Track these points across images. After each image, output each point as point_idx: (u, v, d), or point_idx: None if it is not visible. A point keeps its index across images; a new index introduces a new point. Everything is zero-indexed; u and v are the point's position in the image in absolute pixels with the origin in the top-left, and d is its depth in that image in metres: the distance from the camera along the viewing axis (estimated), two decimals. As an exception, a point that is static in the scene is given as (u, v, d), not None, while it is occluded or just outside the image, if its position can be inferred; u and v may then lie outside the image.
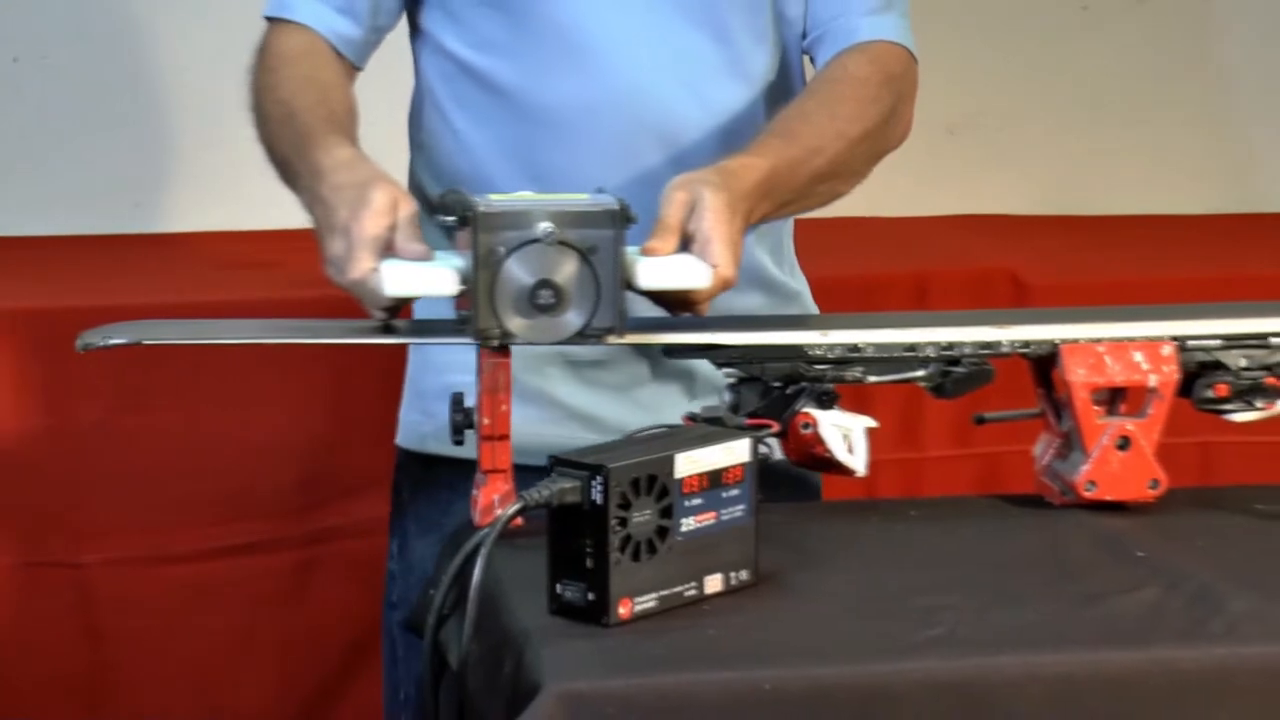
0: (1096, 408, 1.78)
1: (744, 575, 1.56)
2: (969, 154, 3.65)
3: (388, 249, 1.68)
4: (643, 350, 1.99)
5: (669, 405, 1.94)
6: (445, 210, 1.67)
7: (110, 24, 3.34)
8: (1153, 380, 1.78)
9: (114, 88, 3.33)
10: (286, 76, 1.93)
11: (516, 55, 1.98)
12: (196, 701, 2.70)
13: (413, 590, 1.96)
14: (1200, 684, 1.45)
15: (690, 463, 1.52)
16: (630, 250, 1.67)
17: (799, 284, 2.14)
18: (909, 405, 2.85)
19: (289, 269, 2.94)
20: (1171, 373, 1.78)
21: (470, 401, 1.68)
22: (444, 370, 2.00)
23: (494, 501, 1.66)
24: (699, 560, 1.53)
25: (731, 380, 1.76)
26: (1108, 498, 1.77)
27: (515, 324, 1.62)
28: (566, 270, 1.62)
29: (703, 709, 1.39)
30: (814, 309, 2.14)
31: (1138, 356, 1.78)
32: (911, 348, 1.77)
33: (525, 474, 1.60)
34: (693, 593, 1.53)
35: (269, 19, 2.00)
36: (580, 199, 1.65)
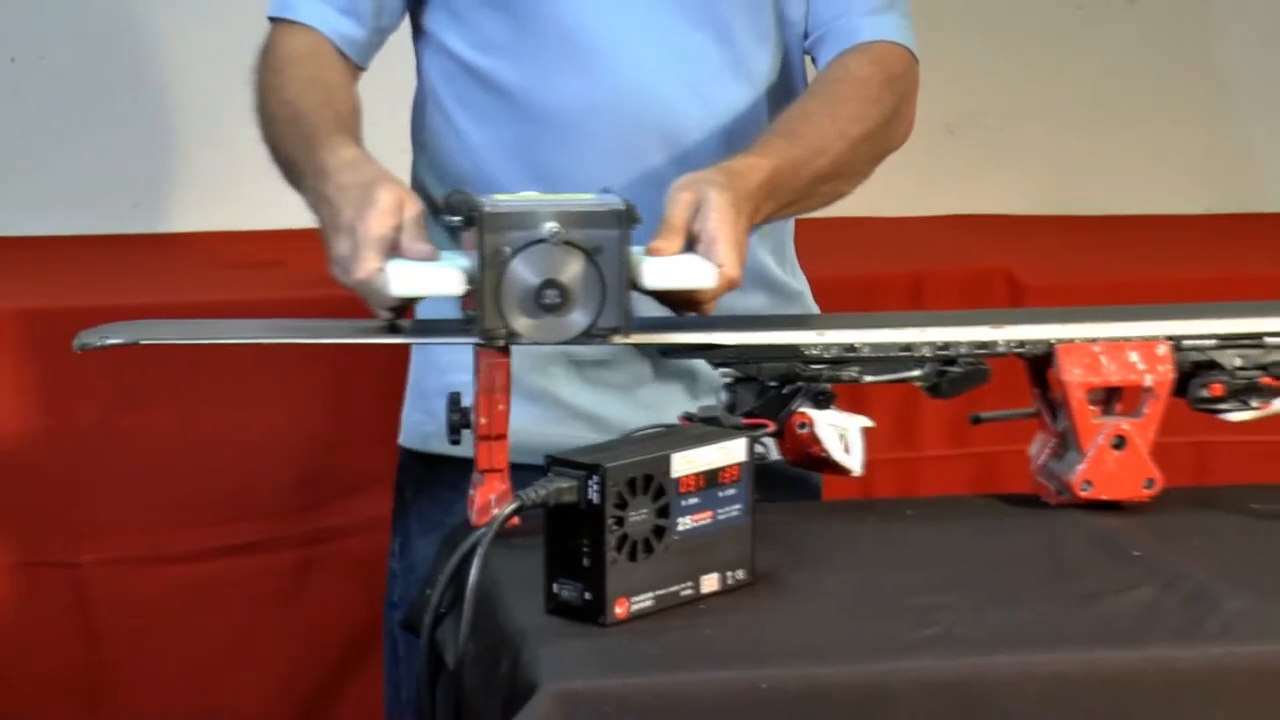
0: (1092, 407, 1.78)
1: (740, 575, 1.57)
2: (967, 154, 3.65)
3: (393, 249, 1.68)
4: (645, 350, 1.99)
5: (671, 405, 1.95)
6: (451, 210, 1.67)
7: (110, 24, 3.34)
8: (1148, 380, 1.78)
9: (114, 88, 3.34)
10: (291, 77, 1.94)
11: (520, 56, 1.99)
12: (195, 701, 2.70)
13: (414, 590, 1.96)
14: (1196, 683, 1.45)
15: (687, 462, 1.53)
16: (635, 250, 1.67)
17: (800, 284, 2.14)
18: (905, 405, 2.85)
19: (289, 269, 2.94)
20: (1167, 372, 1.79)
21: (467, 401, 1.68)
22: (447, 370, 2.01)
23: (490, 501, 1.66)
24: (695, 560, 1.53)
25: (728, 380, 1.76)
26: (1103, 497, 1.77)
27: (521, 324, 1.63)
28: (572, 270, 1.63)
29: (699, 708, 1.39)
30: (815, 309, 2.14)
31: (1133, 356, 1.78)
32: (907, 347, 1.78)
33: (529, 473, 1.60)
34: (689, 592, 1.53)
35: (273, 20, 2.01)
36: (586, 199, 1.65)
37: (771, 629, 1.50)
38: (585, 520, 1.48)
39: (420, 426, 2.07)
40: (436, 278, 1.67)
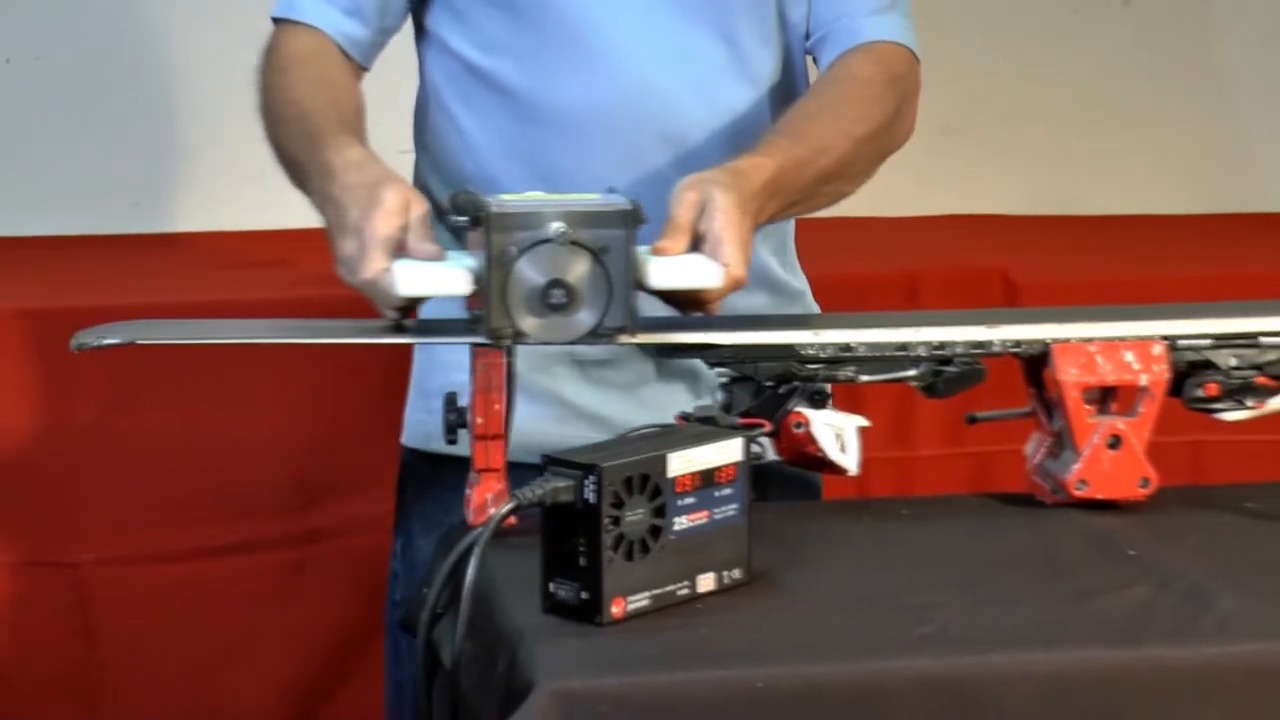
0: (1088, 407, 1.78)
1: (737, 574, 1.57)
2: (963, 154, 3.66)
3: (400, 249, 1.69)
4: (648, 349, 1.99)
5: (674, 404, 1.95)
6: (457, 210, 1.67)
7: (110, 24, 3.34)
8: (1143, 379, 1.78)
9: (113, 88, 3.34)
10: (297, 77, 1.94)
11: (523, 55, 1.99)
12: (193, 700, 2.70)
13: (415, 589, 1.96)
14: (1190, 682, 1.45)
15: (683, 462, 1.53)
16: (641, 250, 1.68)
17: (801, 283, 2.14)
18: (901, 404, 2.85)
19: (289, 269, 2.95)
20: (1162, 372, 1.79)
21: (464, 401, 1.68)
22: (450, 369, 2.00)
23: (487, 500, 1.66)
24: (692, 559, 1.53)
25: (724, 380, 1.76)
26: (1099, 496, 1.78)
27: (528, 323, 1.63)
28: (578, 270, 1.63)
29: (695, 707, 1.39)
30: (815, 309, 2.15)
31: (1129, 356, 1.79)
32: (903, 347, 1.78)
33: (532, 473, 1.60)
34: (685, 591, 1.53)
35: (276, 20, 2.01)
36: (592, 199, 1.66)
37: (767, 628, 1.50)
38: (582, 520, 1.48)
39: (423, 426, 2.08)
40: (443, 277, 1.67)
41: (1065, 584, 1.59)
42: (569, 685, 1.39)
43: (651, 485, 1.50)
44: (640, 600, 1.50)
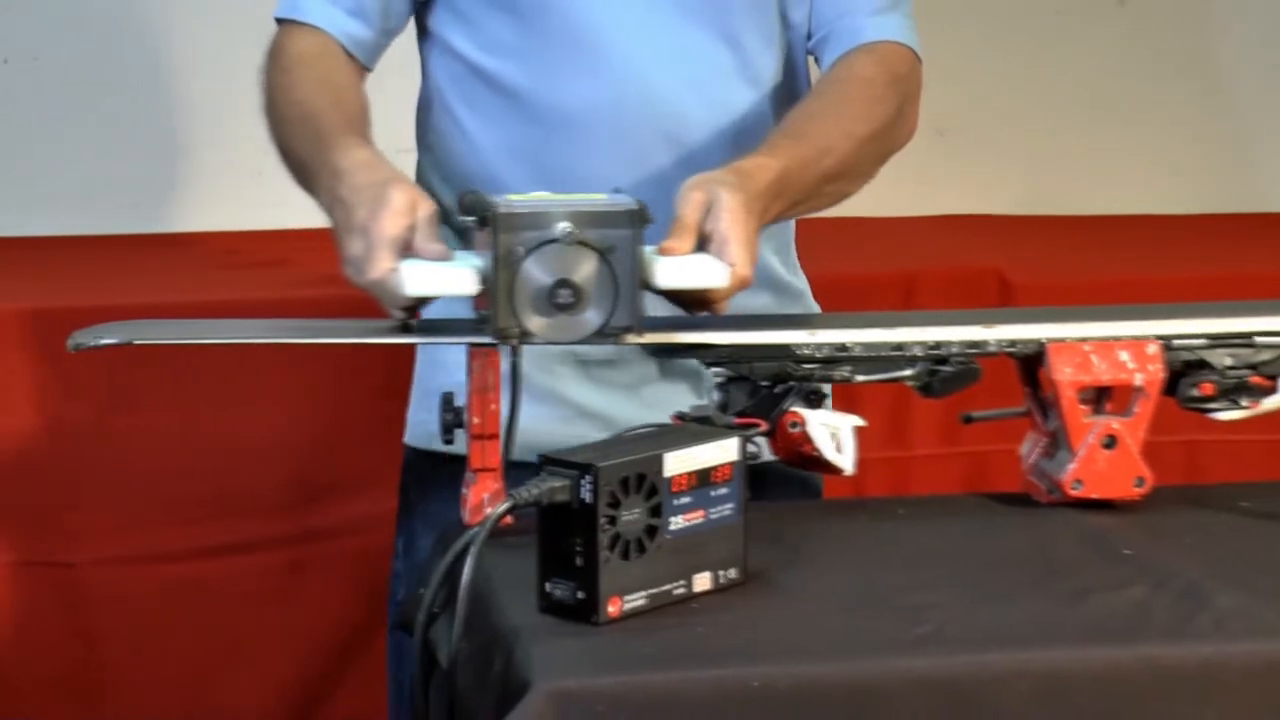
0: (1083, 406, 1.78)
1: (733, 573, 1.57)
2: (959, 154, 3.66)
3: (407, 249, 1.69)
4: (650, 349, 2.00)
5: (677, 404, 1.94)
6: (464, 211, 1.68)
7: (110, 24, 3.34)
8: (1139, 379, 1.79)
9: (113, 88, 3.34)
10: (301, 78, 1.94)
11: (526, 56, 1.99)
12: (192, 700, 2.70)
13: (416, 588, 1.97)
14: (1187, 681, 1.46)
15: (679, 461, 1.53)
16: (648, 250, 1.68)
17: (802, 283, 2.15)
18: (897, 404, 2.85)
19: (289, 269, 2.95)
20: (1157, 371, 1.79)
21: (461, 400, 1.69)
22: (453, 369, 1.99)
23: (484, 500, 1.67)
24: (688, 559, 1.54)
25: (720, 379, 1.76)
26: (1094, 496, 1.78)
27: (534, 323, 1.63)
28: (585, 270, 1.63)
29: (692, 707, 1.39)
30: (816, 308, 2.15)
31: (1124, 355, 1.79)
32: (899, 347, 1.78)
33: (536, 473, 1.60)
34: (681, 591, 1.54)
35: (280, 20, 2.01)
36: (598, 199, 1.66)
37: (764, 628, 1.50)
38: (578, 519, 1.49)
39: (426, 425, 2.07)
40: (450, 277, 1.67)
41: (1061, 583, 1.60)
42: (565, 685, 1.39)
43: (648, 485, 1.51)
44: (636, 600, 1.50)
